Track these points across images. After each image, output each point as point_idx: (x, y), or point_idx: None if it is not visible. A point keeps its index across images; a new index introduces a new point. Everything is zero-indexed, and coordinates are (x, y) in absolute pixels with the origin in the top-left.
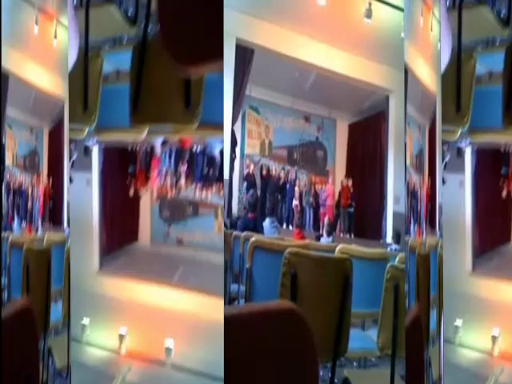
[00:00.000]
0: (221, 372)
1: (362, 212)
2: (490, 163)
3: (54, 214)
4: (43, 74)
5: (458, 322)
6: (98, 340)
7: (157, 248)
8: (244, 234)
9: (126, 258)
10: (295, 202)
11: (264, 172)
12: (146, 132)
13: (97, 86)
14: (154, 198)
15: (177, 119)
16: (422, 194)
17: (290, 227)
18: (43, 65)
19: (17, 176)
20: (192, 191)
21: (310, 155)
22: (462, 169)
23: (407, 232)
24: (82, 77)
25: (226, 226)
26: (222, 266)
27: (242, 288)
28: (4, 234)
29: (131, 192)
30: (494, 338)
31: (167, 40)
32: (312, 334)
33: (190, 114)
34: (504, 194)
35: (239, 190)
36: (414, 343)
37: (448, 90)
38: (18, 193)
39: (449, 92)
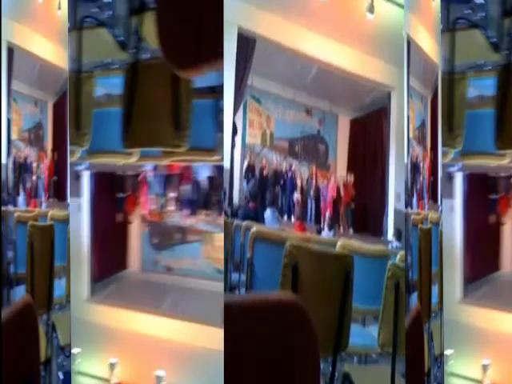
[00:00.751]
0: None
1: (363, 208)
2: (480, 188)
3: (58, 188)
4: (47, 45)
5: (449, 351)
6: (89, 369)
7: (146, 275)
8: (245, 223)
9: (117, 285)
10: (296, 195)
11: (265, 163)
12: (137, 156)
13: (89, 109)
14: (143, 224)
15: (167, 142)
16: (425, 166)
17: (291, 219)
18: (47, 36)
19: (22, 150)
20: (181, 217)
21: (312, 148)
22: (452, 194)
23: (409, 206)
24: (75, 99)
25: (226, 214)
26: (209, 293)
27: (243, 277)
28: (10, 209)
29: (121, 218)
30: (484, 367)
31: (164, 43)
32: (313, 325)
33: (180, 138)
34: (493, 220)
35: (240, 180)
36: (415, 342)
37: (441, 111)
38: (23, 167)
39: (442, 113)
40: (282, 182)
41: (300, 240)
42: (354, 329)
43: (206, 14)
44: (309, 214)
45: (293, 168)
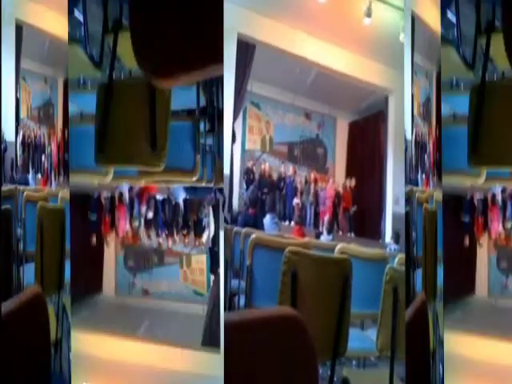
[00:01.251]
0: None
1: (361, 211)
2: (454, 210)
3: (68, 167)
4: (56, 20)
5: None
6: None
7: (122, 299)
8: (244, 230)
9: (90, 311)
10: (296, 200)
11: (264, 168)
12: (111, 175)
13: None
14: (118, 247)
15: (143, 161)
16: (430, 142)
17: (291, 223)
18: (56, 11)
19: (31, 129)
20: (157, 240)
21: (311, 152)
22: None
23: (414, 183)
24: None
25: (226, 221)
26: (187, 316)
27: (243, 283)
28: (20, 188)
29: (96, 241)
30: None
31: (139, 53)
32: (312, 340)
33: (156, 157)
34: (466, 243)
35: (240, 186)
36: (418, 337)
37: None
38: (33, 146)
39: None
40: (281, 186)
41: (299, 246)
42: (353, 333)
43: (181, 23)
44: (308, 218)
45: (292, 172)
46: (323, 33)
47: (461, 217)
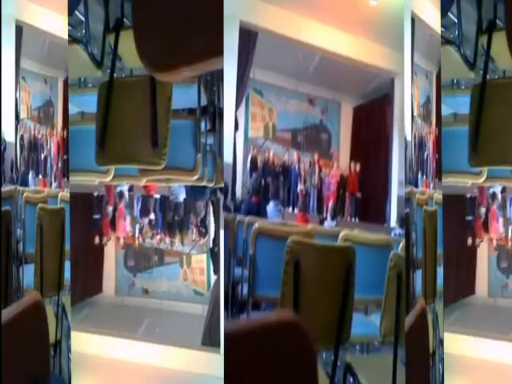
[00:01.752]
0: None
1: (366, 196)
2: (455, 209)
3: (68, 168)
4: (56, 20)
5: None
6: None
7: (122, 299)
8: (247, 218)
9: (90, 310)
10: (300, 186)
11: (267, 155)
12: (112, 174)
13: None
14: (118, 247)
15: (144, 160)
16: (429, 144)
17: (294, 210)
18: (56, 11)
19: (31, 129)
20: (157, 240)
21: (314, 138)
22: None
23: (414, 184)
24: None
25: (229, 209)
26: (187, 315)
27: (246, 272)
28: (19, 189)
29: (96, 240)
30: None
31: (141, 45)
32: (313, 345)
33: (157, 155)
34: (469, 242)
35: (243, 174)
36: (418, 344)
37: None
38: (33, 146)
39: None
40: (284, 173)
41: (302, 234)
42: (357, 318)
43: (182, 15)
44: (311, 204)
45: (295, 159)
46: (327, 17)
47: (461, 216)
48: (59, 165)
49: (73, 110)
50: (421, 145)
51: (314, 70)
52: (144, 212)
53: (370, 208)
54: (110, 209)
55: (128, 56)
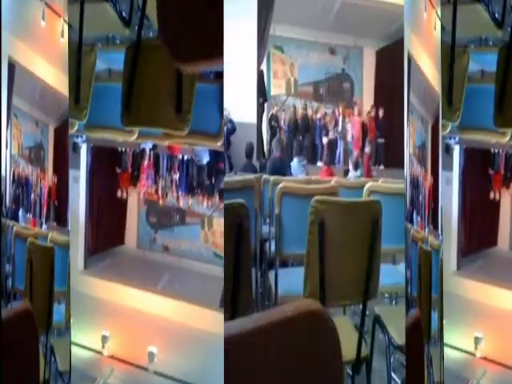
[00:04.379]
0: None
1: (390, 141)
2: (478, 163)
3: (58, 214)
4: (49, 70)
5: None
6: (80, 339)
7: (143, 253)
8: (273, 178)
9: (112, 260)
10: (323, 139)
11: (290, 111)
12: (136, 134)
13: (89, 82)
14: (141, 202)
15: (167, 124)
16: (425, 188)
17: (319, 163)
18: (50, 61)
19: (22, 166)
20: (179, 199)
21: (337, 88)
22: (450, 166)
23: (410, 220)
24: (75, 71)
25: (255, 169)
26: (206, 276)
27: (273, 230)
28: (9, 223)
29: (119, 194)
30: (476, 340)
31: (166, 35)
32: (337, 335)
33: (181, 121)
34: (492, 196)
35: (267, 133)
36: (415, 344)
37: (441, 83)
38: (23, 184)
39: (441, 86)
40: (307, 128)
41: (326, 192)
42: (385, 268)
43: (207, 12)
44: (335, 156)
45: (318, 112)
46: None
47: (484, 170)
48: (50, 210)
49: (100, 66)
50: (416, 184)
51: (334, 18)
52: (167, 171)
53: (395, 154)
54: (134, 165)
55: (156, 16)
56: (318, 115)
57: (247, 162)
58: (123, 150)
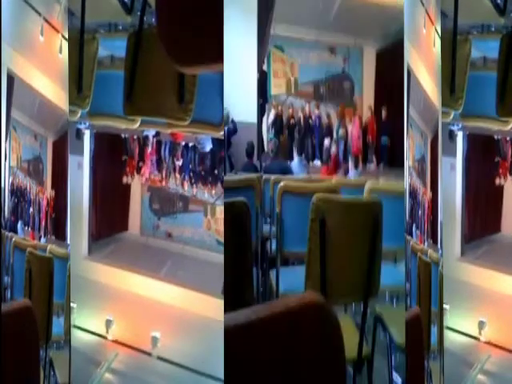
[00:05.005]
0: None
1: (391, 140)
2: (482, 149)
3: (56, 227)
4: (48, 84)
5: (445, 306)
6: (84, 324)
7: (146, 239)
8: (274, 177)
9: (116, 246)
10: (324, 139)
11: (291, 111)
12: (138, 122)
13: (91, 69)
14: (144, 188)
15: (169, 114)
16: (424, 202)
17: (319, 163)
18: (48, 76)
19: (20, 179)
20: (182, 186)
21: (337, 88)
22: (453, 152)
23: (409, 232)
24: (77, 58)
25: (256, 168)
26: (209, 263)
27: (274, 229)
28: (8, 234)
29: (123, 180)
30: (480, 325)
31: (165, 37)
32: (340, 330)
33: (183, 111)
34: (496, 183)
35: (267, 133)
36: (414, 339)
37: (443, 71)
38: (22, 196)
39: (443, 74)
40: (308, 128)
41: (327, 190)
42: (385, 268)
43: (206, 9)
44: (336, 155)
45: (318, 111)
46: None
47: (488, 156)
48: (48, 222)
49: (103, 53)
50: (415, 198)
51: (335, 17)
52: (170, 157)
53: (395, 153)
54: (137, 151)
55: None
56: (319, 115)
57: (248, 162)
58: (126, 136)
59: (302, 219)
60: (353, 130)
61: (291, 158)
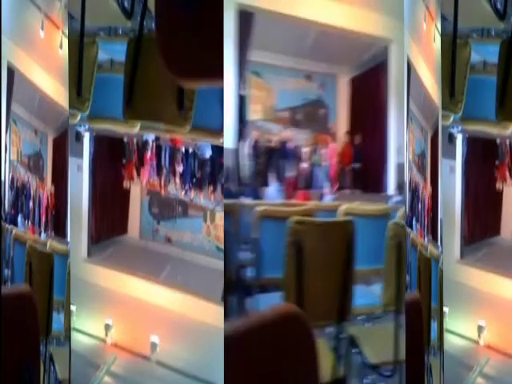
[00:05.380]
0: (203, 373)
1: (365, 166)
2: (481, 152)
3: (56, 224)
4: (48, 80)
5: (444, 308)
6: (84, 327)
7: (145, 243)
8: (250, 202)
9: (115, 249)
10: (300, 164)
11: (267, 137)
12: (138, 126)
13: (91, 73)
14: (144, 192)
15: (169, 120)
16: (424, 197)
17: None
18: (49, 72)
19: (20, 173)
20: (182, 191)
21: (313, 114)
22: (453, 155)
23: (409, 225)
24: (77, 62)
25: (232, 194)
26: (208, 269)
27: (251, 255)
28: (8, 227)
29: (122, 184)
30: (479, 328)
31: (165, 51)
32: (315, 339)
33: (183, 117)
34: (496, 186)
35: (243, 157)
36: (414, 326)
37: (443, 74)
38: (22, 190)
39: (443, 77)
40: (284, 153)
41: (303, 214)
42: (358, 289)
43: (206, 26)
44: (311, 180)
45: (294, 137)
46: None
47: (487, 160)
48: (48, 218)
49: (102, 56)
50: (415, 192)
51: (311, 46)
52: (169, 162)
53: (369, 178)
54: (136, 155)
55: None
56: (294, 141)
57: (224, 188)
58: (126, 140)
59: (279, 244)
60: (328, 155)
61: (267, 184)
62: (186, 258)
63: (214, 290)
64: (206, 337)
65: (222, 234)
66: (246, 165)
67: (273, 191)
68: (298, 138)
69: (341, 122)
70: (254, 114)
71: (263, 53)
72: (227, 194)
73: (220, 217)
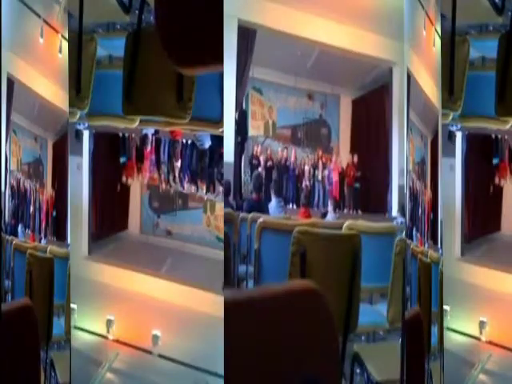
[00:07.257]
0: (205, 364)
1: (367, 187)
2: (481, 149)
3: (57, 227)
4: (48, 85)
5: (446, 307)
6: (85, 324)
7: (146, 238)
8: (251, 215)
9: (116, 245)
10: (301, 182)
11: (269, 153)
12: (138, 121)
13: (90, 71)
14: (143, 187)
15: (168, 113)
16: (424, 203)
17: (295, 207)
18: (48, 77)
19: (20, 181)
20: (182, 183)
21: (314, 133)
22: (452, 153)
23: (409, 236)
24: (76, 59)
25: (232, 207)
26: (209, 260)
27: (250, 269)
28: (8, 237)
29: (123, 180)
30: (481, 324)
31: (164, 39)
32: (331, 311)
33: (182, 109)
34: (495, 182)
35: (244, 172)
36: (415, 338)
37: (441, 73)
38: (22, 199)
39: (442, 76)
40: (285, 170)
41: (306, 225)
42: (362, 307)
43: (206, 12)
44: (313, 199)
45: (296, 155)
46: (324, 10)
47: (486, 157)
48: (49, 222)
49: (101, 53)
50: (416, 198)
51: (312, 65)
52: (169, 156)
53: (372, 199)
54: (136, 151)
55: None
56: (296, 159)
57: (224, 201)
58: (125, 135)
59: (280, 256)
60: (330, 174)
61: (269, 199)
62: (187, 250)
63: (215, 280)
64: (207, 328)
65: (222, 225)
66: (246, 180)
67: (274, 207)
68: (300, 157)
69: (343, 142)
70: (255, 130)
71: (264, 70)
72: (227, 206)
73: (220, 207)
